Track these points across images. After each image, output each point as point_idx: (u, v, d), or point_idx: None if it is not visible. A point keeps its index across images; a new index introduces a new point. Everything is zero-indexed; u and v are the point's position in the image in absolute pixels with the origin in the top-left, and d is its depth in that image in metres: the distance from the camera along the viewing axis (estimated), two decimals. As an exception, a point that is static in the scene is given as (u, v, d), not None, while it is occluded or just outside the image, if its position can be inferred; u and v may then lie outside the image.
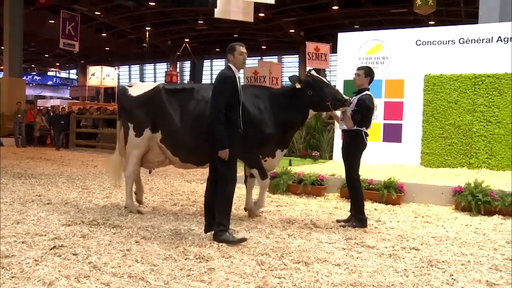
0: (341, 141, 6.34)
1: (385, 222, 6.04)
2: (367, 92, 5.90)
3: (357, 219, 5.76)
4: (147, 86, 6.31)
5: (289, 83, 5.90)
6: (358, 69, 6.07)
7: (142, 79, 50.54)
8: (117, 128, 6.65)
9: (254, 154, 5.87)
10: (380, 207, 7.00)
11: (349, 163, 5.92)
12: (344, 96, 5.74)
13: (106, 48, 40.84)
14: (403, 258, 4.41)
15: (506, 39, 9.81)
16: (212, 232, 4.87)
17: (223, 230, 4.74)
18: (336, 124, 9.53)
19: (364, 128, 5.82)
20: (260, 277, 3.75)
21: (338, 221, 6.01)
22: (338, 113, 5.94)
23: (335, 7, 26.12)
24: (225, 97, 4.80)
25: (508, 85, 9.66)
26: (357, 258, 4.38)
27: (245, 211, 6.33)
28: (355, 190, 5.90)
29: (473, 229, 5.81)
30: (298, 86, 5.77)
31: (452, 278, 3.88)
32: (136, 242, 4.72)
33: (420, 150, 10.03)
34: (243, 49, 4.99)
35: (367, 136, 5.88)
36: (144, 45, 36.40)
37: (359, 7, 27.01)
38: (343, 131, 6.03)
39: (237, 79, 4.95)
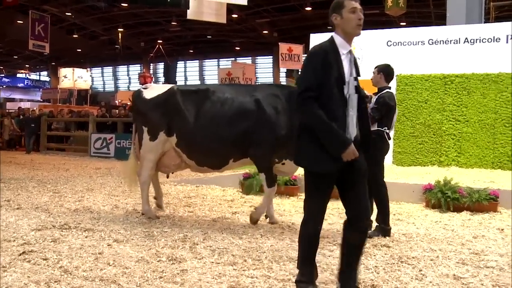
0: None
1: (357, 221, 6.12)
2: (387, 90, 5.51)
3: (381, 229, 5.30)
4: (162, 88, 6.11)
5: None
6: (375, 67, 5.65)
7: (116, 81, 50.04)
8: (132, 131, 6.47)
9: (268, 157, 5.62)
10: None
11: (372, 168, 5.60)
12: (363, 91, 5.48)
13: (78, 50, 40.24)
14: (374, 255, 4.48)
15: (472, 41, 10.08)
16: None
17: (302, 282, 3.44)
18: None
19: (386, 128, 5.39)
20: (232, 277, 3.77)
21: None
22: None
23: (308, 8, 26.33)
24: (311, 78, 3.17)
25: (475, 84, 9.91)
26: (329, 256, 4.44)
27: (266, 218, 5.99)
28: (381, 198, 5.40)
29: (442, 225, 5.95)
30: None
31: (421, 274, 3.97)
32: (108, 245, 4.69)
33: (392, 149, 10.20)
34: (355, 3, 3.26)
35: (390, 138, 5.47)
36: (117, 46, 36.02)
37: (332, 8, 27.29)
38: None
39: (347, 55, 3.25)
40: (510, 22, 10.14)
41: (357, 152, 3.16)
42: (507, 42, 9.84)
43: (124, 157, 14.10)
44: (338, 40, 3.24)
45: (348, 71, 3.19)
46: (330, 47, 3.21)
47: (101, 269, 3.92)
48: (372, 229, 5.41)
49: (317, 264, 4.11)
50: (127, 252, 4.42)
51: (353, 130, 3.21)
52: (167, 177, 6.75)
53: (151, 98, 6.00)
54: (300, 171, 8.23)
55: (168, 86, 6.13)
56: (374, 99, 5.49)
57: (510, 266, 4.27)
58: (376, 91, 5.61)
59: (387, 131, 5.40)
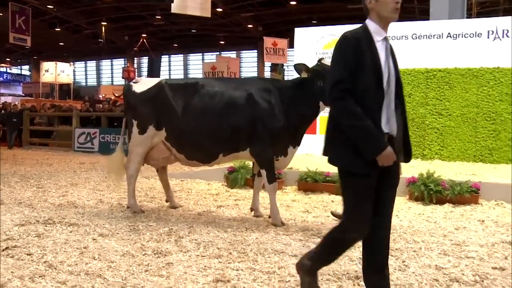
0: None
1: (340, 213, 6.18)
2: None
3: None
4: (152, 82, 6.06)
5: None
6: None
7: (99, 75, 49.63)
8: (122, 125, 6.40)
9: (269, 153, 5.53)
10: (337, 199, 7.13)
11: None
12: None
13: (61, 44, 39.78)
14: (358, 247, 4.50)
15: (455, 35, 10.19)
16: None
17: (310, 267, 3.11)
18: None
19: None
20: (218, 269, 3.80)
21: (333, 213, 5.76)
22: None
23: (293, 3, 26.40)
24: (344, 68, 2.84)
25: (457, 79, 10.03)
26: (314, 248, 4.48)
27: (251, 211, 6.05)
28: None
29: (425, 218, 6.03)
30: (304, 75, 5.37)
31: (404, 265, 4.04)
32: (93, 239, 4.68)
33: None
34: None
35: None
36: (100, 40, 35.68)
37: (317, 2, 27.36)
38: None
39: (382, 43, 2.94)
40: (492, 18, 10.26)
41: (395, 155, 2.83)
42: (488, 37, 9.96)
43: (109, 151, 14.07)
44: (372, 26, 2.93)
45: (384, 60, 2.88)
46: (362, 34, 2.90)
47: (87, 263, 3.92)
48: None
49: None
50: (113, 246, 4.41)
51: (391, 125, 2.90)
52: (157, 171, 6.65)
53: (141, 92, 5.97)
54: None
55: (158, 79, 6.10)
56: None
57: (490, 256, 4.36)
58: None
59: None
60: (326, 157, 3.04)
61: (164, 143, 5.90)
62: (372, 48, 2.87)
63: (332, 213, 5.84)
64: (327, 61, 5.14)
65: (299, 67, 5.39)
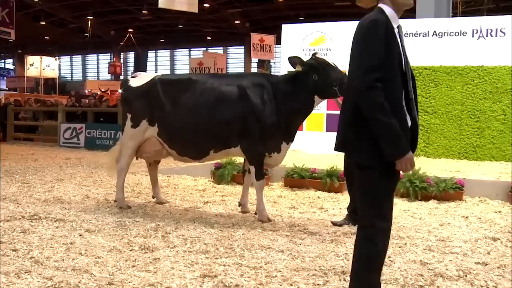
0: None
1: (328, 210, 6.24)
2: None
3: (353, 218, 5.21)
4: (149, 77, 6.06)
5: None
6: None
7: (85, 70, 49.22)
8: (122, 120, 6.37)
9: (259, 149, 5.46)
10: (323, 195, 7.20)
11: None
12: None
13: (46, 38, 39.34)
14: (344, 243, 4.58)
15: (440, 34, 10.29)
16: None
17: None
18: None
19: None
20: (205, 265, 3.81)
21: (333, 223, 5.41)
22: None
23: (280, -1, 26.40)
24: (377, 54, 2.60)
25: (442, 77, 10.15)
26: (300, 244, 4.52)
27: (239, 206, 6.02)
28: None
29: (410, 214, 6.10)
30: (298, 68, 5.27)
31: (390, 260, 4.08)
32: (80, 235, 4.66)
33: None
34: None
35: None
36: (86, 34, 35.35)
37: (304, -1, 27.42)
38: None
39: (399, 30, 2.77)
40: (477, 17, 10.38)
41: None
42: (473, 36, 10.09)
43: (95, 147, 14.06)
44: (388, 11, 2.71)
45: (401, 48, 2.70)
46: (384, 19, 2.65)
47: (73, 259, 3.90)
48: (343, 217, 5.53)
49: (288, 252, 4.21)
50: (99, 242, 4.40)
51: (413, 117, 2.72)
52: (149, 165, 6.58)
53: (136, 86, 5.99)
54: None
55: (154, 74, 6.11)
56: None
57: (473, 251, 4.44)
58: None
59: None
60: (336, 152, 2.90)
61: (157, 138, 5.89)
62: (394, 34, 2.68)
63: (333, 223, 5.45)
64: (321, 55, 5.17)
65: (293, 60, 5.31)
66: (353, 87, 2.66)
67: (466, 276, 3.73)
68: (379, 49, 2.59)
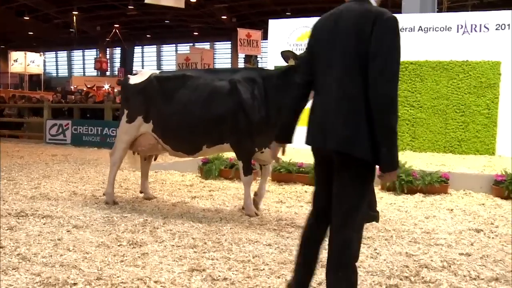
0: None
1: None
2: None
3: (369, 216, 5.13)
4: (148, 74, 6.11)
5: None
6: None
7: (70, 66, 48.77)
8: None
9: (248, 144, 5.45)
10: (311, 189, 7.24)
11: None
12: None
13: (30, 33, 38.85)
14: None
15: (426, 29, 10.38)
16: None
17: None
18: None
19: None
20: (193, 259, 3.84)
21: None
22: None
23: (267, -6, 26.38)
24: (399, 60, 2.59)
25: (428, 71, 10.24)
26: (288, 238, 4.56)
27: (254, 195, 5.82)
28: None
29: (396, 207, 6.17)
30: (291, 62, 5.16)
31: (376, 252, 4.15)
32: (68, 231, 4.66)
33: (349, 135, 10.44)
34: None
35: None
36: (72, 30, 34.99)
37: (290, -6, 27.43)
38: None
39: None
40: (461, 13, 10.48)
41: None
42: (457, 31, 10.18)
43: (82, 143, 13.97)
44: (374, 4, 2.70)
45: None
46: None
47: (61, 255, 3.91)
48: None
49: (276, 245, 4.26)
50: (87, 238, 4.41)
51: None
52: (155, 159, 6.68)
53: (134, 84, 6.07)
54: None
55: (151, 72, 6.17)
56: None
57: (457, 243, 4.52)
58: None
59: None
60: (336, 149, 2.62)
61: (151, 134, 5.94)
62: None
63: None
64: None
65: (286, 54, 5.22)
66: (380, 92, 2.51)
67: (450, 266, 3.81)
68: (399, 52, 2.53)
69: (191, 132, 5.62)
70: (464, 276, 3.62)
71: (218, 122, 5.50)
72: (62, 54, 48.79)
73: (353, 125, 2.55)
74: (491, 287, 3.40)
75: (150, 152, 6.32)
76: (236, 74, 5.66)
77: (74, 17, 33.13)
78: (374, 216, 5.22)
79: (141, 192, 6.48)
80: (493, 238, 4.77)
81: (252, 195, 5.73)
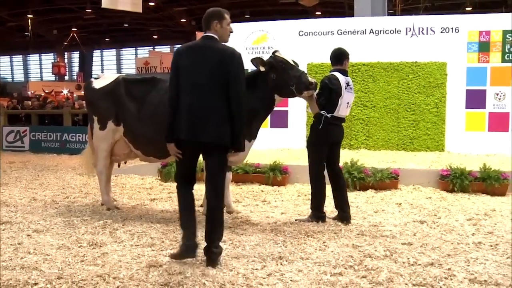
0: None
1: (270, 202, 6.55)
2: (333, 72, 5.44)
3: (315, 215, 5.39)
4: (112, 77, 6.11)
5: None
6: None
7: (26, 71, 47.62)
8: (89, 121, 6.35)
9: None
10: (267, 189, 7.50)
11: (309, 155, 5.57)
12: (310, 78, 5.14)
13: (-18, 37, 37.74)
14: (283, 232, 4.89)
15: (377, 32, 10.81)
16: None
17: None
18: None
19: (325, 112, 5.28)
20: (151, 257, 4.02)
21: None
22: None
23: (225, -3, 26.56)
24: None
25: (380, 72, 10.67)
26: (242, 234, 4.79)
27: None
28: (317, 184, 5.53)
29: (348, 203, 6.48)
30: (262, 69, 5.19)
31: (324, 245, 4.43)
32: (28, 235, 4.74)
33: (305, 134, 10.74)
34: (229, 18, 4.18)
35: (331, 123, 5.32)
36: (27, 34, 34.19)
37: (249, -3, 27.70)
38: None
39: None
40: (409, 16, 10.95)
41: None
42: (406, 34, 10.65)
43: (40, 150, 13.82)
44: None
45: None
46: None
47: (22, 258, 4.01)
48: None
49: (230, 242, 4.48)
50: (48, 241, 4.51)
51: None
52: (118, 166, 6.68)
53: (100, 88, 6.05)
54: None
55: (117, 75, 6.20)
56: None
57: (401, 234, 4.85)
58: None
59: (328, 115, 5.28)
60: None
61: (123, 138, 5.97)
62: None
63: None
64: (281, 54, 5.28)
65: (255, 61, 5.25)
66: (237, 102, 3.87)
67: (392, 255, 4.11)
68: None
69: (161, 135, 5.61)
70: (403, 262, 3.93)
71: None
72: (18, 58, 47.55)
73: (227, 123, 3.87)
74: (426, 271, 3.71)
75: (124, 159, 6.37)
76: None
77: (29, 21, 32.38)
78: (346, 216, 5.41)
79: None
80: (434, 228, 5.14)
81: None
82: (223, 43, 4.04)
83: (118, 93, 5.89)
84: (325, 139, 5.40)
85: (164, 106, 5.57)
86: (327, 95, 5.29)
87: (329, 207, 5.76)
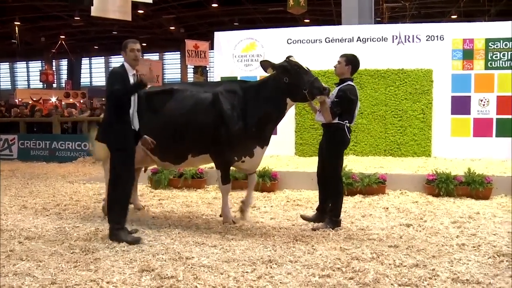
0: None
1: (260, 208, 6.63)
2: (349, 82, 5.40)
3: (332, 221, 5.39)
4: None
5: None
6: (341, 56, 5.53)
7: (13, 78, 47.31)
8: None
9: (226, 155, 5.57)
10: (256, 195, 7.56)
11: (331, 161, 5.47)
12: (323, 84, 5.19)
13: (-32, 44, 37.44)
14: (273, 236, 4.99)
15: (364, 40, 10.97)
16: None
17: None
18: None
19: (347, 122, 5.31)
20: (143, 261, 4.09)
21: (303, 217, 5.78)
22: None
23: (215, 5, 26.67)
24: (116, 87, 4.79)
25: (367, 79, 10.83)
26: (232, 239, 4.88)
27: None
28: (339, 191, 5.51)
29: (336, 208, 6.58)
30: (270, 71, 5.29)
31: (313, 248, 4.53)
32: (20, 242, 4.79)
33: (294, 141, 10.89)
34: (134, 45, 4.95)
35: (350, 131, 5.41)
36: (14, 41, 33.99)
37: (238, 5, 27.82)
38: (322, 125, 5.53)
39: (132, 77, 4.91)
40: (395, 24, 11.13)
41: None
42: (393, 42, 10.83)
43: (29, 158, 13.77)
44: (127, 66, 5.00)
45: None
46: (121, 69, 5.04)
47: (14, 265, 4.06)
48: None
49: (220, 246, 4.57)
50: (40, 248, 4.56)
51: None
52: (144, 171, 6.85)
53: None
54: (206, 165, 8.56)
55: None
56: (335, 91, 5.40)
57: (388, 237, 4.97)
58: (338, 81, 5.55)
59: (348, 124, 5.33)
60: None
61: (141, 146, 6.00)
62: (125, 79, 4.91)
63: (302, 217, 5.82)
64: (295, 58, 5.35)
65: (264, 64, 5.36)
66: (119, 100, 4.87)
67: (378, 257, 4.23)
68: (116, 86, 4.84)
69: (175, 142, 5.68)
70: (389, 264, 4.04)
71: (200, 132, 5.59)
72: (4, 66, 47.21)
73: (111, 125, 4.96)
74: (411, 272, 3.83)
75: (140, 165, 6.35)
76: (219, 86, 5.80)
77: (16, 28, 32.22)
78: (338, 221, 5.47)
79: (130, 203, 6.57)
80: (420, 231, 5.27)
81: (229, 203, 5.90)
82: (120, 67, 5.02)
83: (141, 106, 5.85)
84: (345, 146, 5.49)
85: (180, 115, 5.75)
86: (348, 105, 5.28)
87: (309, 210, 5.85)
